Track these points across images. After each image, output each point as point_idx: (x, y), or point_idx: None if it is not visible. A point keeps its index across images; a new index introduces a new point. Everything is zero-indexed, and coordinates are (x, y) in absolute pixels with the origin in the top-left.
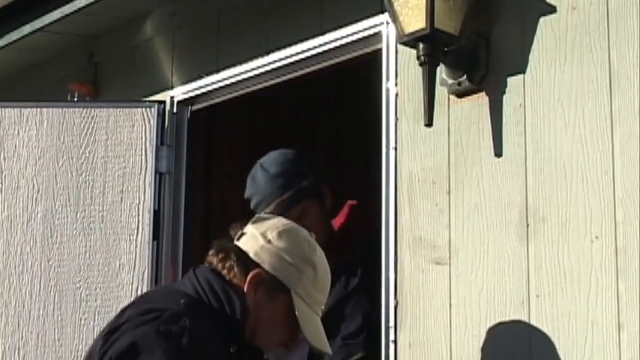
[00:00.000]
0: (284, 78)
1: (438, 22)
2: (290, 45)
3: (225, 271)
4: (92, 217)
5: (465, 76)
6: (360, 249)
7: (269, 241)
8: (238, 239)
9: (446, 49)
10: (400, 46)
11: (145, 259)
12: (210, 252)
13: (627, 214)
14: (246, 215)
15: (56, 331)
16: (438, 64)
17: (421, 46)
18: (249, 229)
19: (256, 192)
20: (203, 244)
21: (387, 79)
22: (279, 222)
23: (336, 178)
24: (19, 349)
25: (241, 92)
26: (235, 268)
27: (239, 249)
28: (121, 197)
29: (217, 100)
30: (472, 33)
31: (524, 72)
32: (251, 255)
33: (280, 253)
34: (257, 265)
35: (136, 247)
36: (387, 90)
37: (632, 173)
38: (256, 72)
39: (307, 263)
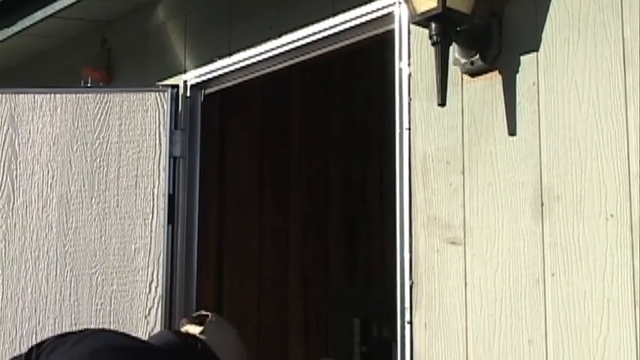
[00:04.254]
0: (296, 60)
1: (450, 1)
2: (302, 27)
3: None
4: (107, 202)
5: (477, 56)
6: None
7: None
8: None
9: (458, 28)
10: (412, 26)
11: (161, 243)
12: None
13: None
14: (260, 200)
15: (72, 315)
16: (451, 44)
17: (433, 25)
18: None
19: None
20: (218, 227)
21: (400, 59)
22: None
23: (348, 164)
24: (36, 334)
25: (254, 75)
26: None
27: None
28: (136, 182)
29: (230, 84)
30: (485, 12)
31: (537, 50)
32: None
33: None
34: None
35: (151, 231)
36: (400, 70)
37: None
38: (269, 54)
39: None
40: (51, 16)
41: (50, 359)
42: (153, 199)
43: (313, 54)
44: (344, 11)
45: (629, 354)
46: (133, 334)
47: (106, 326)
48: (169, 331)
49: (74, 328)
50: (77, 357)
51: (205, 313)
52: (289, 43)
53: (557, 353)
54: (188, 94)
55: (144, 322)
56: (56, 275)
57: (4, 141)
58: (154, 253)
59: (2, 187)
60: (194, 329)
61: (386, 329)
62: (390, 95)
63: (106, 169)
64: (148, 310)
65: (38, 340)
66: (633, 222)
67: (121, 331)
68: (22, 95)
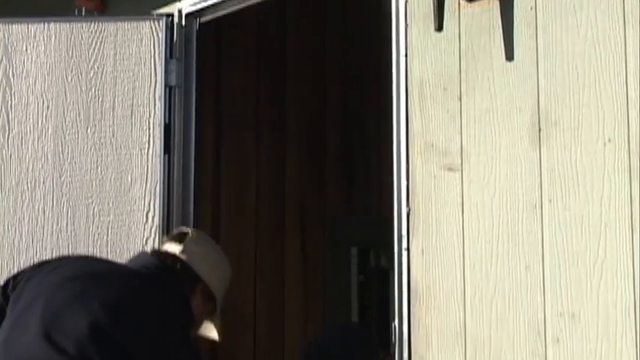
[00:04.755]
0: None
1: None
2: None
3: None
4: (103, 132)
5: None
6: None
7: None
8: None
9: None
10: None
11: (157, 173)
12: None
13: None
14: (257, 129)
15: (70, 246)
16: None
17: None
18: None
19: None
20: (214, 156)
21: None
22: None
23: (346, 91)
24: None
25: (249, 3)
26: None
27: None
28: (131, 111)
29: (226, 12)
30: None
31: None
32: None
33: None
34: None
35: (148, 160)
36: None
37: None
38: None
39: None
40: None
41: (26, 289)
42: (149, 129)
43: None
44: None
45: (626, 278)
46: (112, 260)
47: (104, 257)
48: (148, 252)
49: None
50: (53, 284)
51: (186, 230)
52: None
53: (553, 278)
54: (183, 23)
55: None
56: (53, 206)
57: None
58: (151, 182)
59: None
60: (174, 248)
61: (383, 258)
62: (387, 21)
63: (101, 98)
64: (145, 239)
65: None
66: (631, 147)
67: (99, 256)
68: (16, 25)
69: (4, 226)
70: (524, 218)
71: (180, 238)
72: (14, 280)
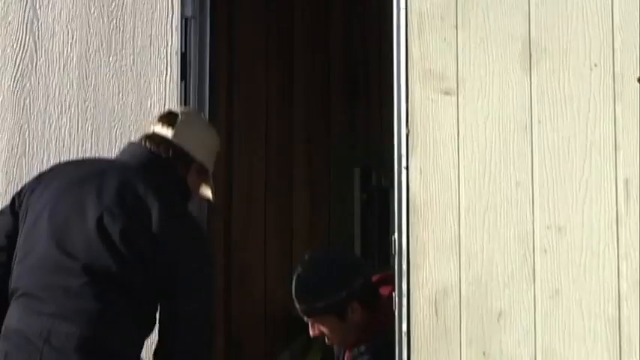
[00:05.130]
0: None
1: None
2: None
3: None
4: (124, 61)
5: None
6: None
7: None
8: None
9: None
10: None
11: (174, 98)
12: None
13: (625, 41)
14: (266, 61)
15: None
16: None
17: None
18: None
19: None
20: (227, 84)
21: None
22: None
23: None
24: None
25: None
26: None
27: None
28: (150, 41)
29: None
30: None
31: None
32: None
33: None
34: None
35: (165, 87)
36: None
37: (631, 1)
38: None
39: None
40: None
41: (31, 202)
42: (166, 58)
43: None
44: None
45: (609, 193)
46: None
47: None
48: (138, 142)
49: None
50: (55, 192)
51: (174, 111)
52: None
53: (542, 194)
54: None
55: None
56: (78, 129)
57: (26, 3)
58: (169, 107)
59: (25, 48)
60: (165, 132)
61: (384, 179)
62: None
63: (122, 29)
64: None
65: None
66: (615, 71)
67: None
68: None
69: (33, 148)
70: (516, 138)
71: (169, 121)
72: (19, 197)
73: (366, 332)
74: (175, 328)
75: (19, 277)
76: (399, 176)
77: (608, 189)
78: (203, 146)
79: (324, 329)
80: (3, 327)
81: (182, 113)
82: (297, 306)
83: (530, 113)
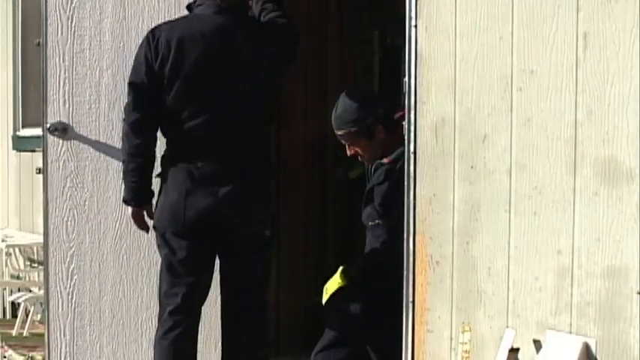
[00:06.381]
0: None
1: None
2: None
3: None
4: None
5: None
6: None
7: None
8: None
9: None
10: None
11: None
12: None
13: None
14: None
15: None
16: None
17: None
18: None
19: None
20: None
21: None
22: None
23: None
24: None
25: None
26: None
27: None
28: None
29: None
30: None
31: None
32: None
33: None
34: None
35: None
36: None
37: None
38: None
39: None
40: None
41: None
42: None
43: None
44: None
45: (570, 42)
46: None
47: None
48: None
49: None
50: None
51: None
52: None
53: (519, 45)
54: None
55: None
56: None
57: None
58: None
59: None
60: None
61: (397, 39)
62: None
63: None
64: None
65: None
66: None
67: None
68: None
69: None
70: (500, 2)
71: None
72: None
73: (388, 149)
74: None
75: None
76: (409, 33)
77: (570, 40)
78: None
79: (358, 149)
80: None
81: None
82: (337, 133)
83: None
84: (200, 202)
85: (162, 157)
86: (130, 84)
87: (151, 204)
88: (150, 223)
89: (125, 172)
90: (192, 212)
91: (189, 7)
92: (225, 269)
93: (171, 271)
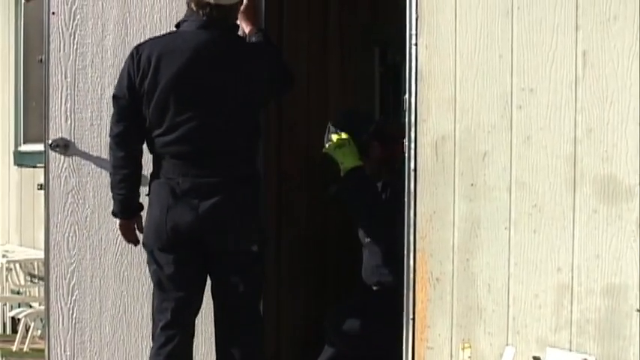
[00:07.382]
0: None
1: None
2: None
3: None
4: None
5: None
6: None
7: None
8: None
9: None
10: None
11: None
12: None
13: None
14: None
15: None
16: None
17: None
18: None
19: None
20: None
21: None
22: None
23: None
24: None
25: None
26: None
27: None
28: None
29: None
30: None
31: None
32: None
33: None
34: None
35: None
36: None
37: None
38: None
39: None
40: None
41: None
42: None
43: None
44: None
45: (570, 62)
46: None
47: None
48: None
49: None
50: None
51: None
52: None
53: (519, 63)
54: None
55: None
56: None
57: None
58: None
59: None
60: None
61: (397, 55)
62: None
63: None
64: None
65: None
66: None
67: None
68: None
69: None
70: (500, 21)
71: None
72: None
73: (387, 164)
74: None
75: None
76: (410, 51)
77: (570, 59)
78: None
79: None
80: None
81: None
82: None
83: (512, 1)
84: (181, 217)
85: (150, 174)
86: (114, 97)
87: (140, 217)
88: (140, 237)
89: (112, 185)
90: (173, 227)
91: (177, 24)
92: (213, 285)
93: (160, 286)
